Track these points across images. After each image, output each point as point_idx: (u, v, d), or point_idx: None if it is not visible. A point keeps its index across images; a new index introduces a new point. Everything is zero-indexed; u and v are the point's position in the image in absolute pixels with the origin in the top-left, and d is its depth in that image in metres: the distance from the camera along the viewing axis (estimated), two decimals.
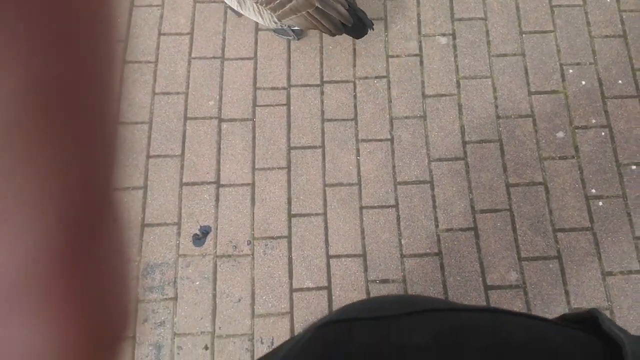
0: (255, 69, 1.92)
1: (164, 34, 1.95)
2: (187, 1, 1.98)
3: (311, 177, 1.77)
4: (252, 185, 1.76)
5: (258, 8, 1.63)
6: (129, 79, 1.87)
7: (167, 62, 1.91)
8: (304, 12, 1.55)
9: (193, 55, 1.92)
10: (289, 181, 1.77)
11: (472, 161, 1.78)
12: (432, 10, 1.97)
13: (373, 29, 1.72)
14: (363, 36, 1.74)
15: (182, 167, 1.79)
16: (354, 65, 1.91)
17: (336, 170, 1.78)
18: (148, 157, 1.80)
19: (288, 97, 1.88)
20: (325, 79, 1.90)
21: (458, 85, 1.87)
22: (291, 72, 1.91)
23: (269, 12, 1.61)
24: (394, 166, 1.78)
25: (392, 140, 1.81)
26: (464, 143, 1.80)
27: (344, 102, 1.87)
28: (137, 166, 1.78)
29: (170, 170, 1.78)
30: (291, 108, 1.87)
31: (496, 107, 1.85)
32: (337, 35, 1.67)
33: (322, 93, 1.88)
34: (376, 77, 1.89)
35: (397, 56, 1.92)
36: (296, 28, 1.79)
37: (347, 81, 1.89)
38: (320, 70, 1.91)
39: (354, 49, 1.93)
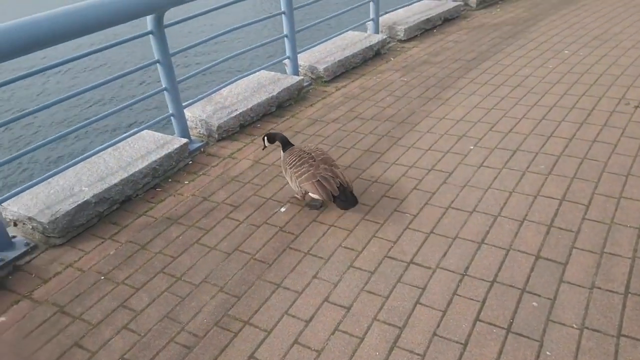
0: None
1: None
2: None
3: None
4: None
5: (291, 175, 2.77)
6: None
7: None
8: (310, 181, 2.65)
9: None
10: None
11: None
12: None
13: (355, 205, 2.69)
14: (348, 209, 2.73)
15: None
16: None
17: None
18: None
19: None
20: None
21: None
22: None
23: (295, 178, 2.73)
24: None
25: None
26: None
27: None
28: None
29: None
30: None
31: None
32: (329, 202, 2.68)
33: None
34: None
35: None
36: (317, 198, 2.76)
37: None
38: None
39: None
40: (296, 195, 2.84)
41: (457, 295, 2.17)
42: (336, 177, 2.64)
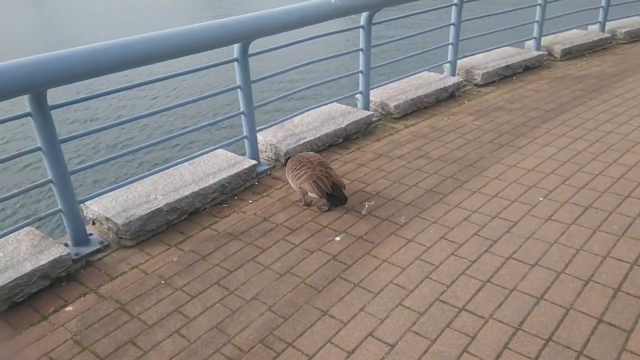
0: None
1: None
2: None
3: None
4: None
5: (292, 178, 3.16)
6: None
7: None
8: (308, 181, 3.03)
9: None
10: None
11: None
12: None
13: (345, 203, 3.11)
14: (338, 205, 3.14)
15: None
16: None
17: None
18: None
19: None
20: None
21: None
22: None
23: (296, 179, 3.11)
24: None
25: None
26: None
27: None
28: None
29: None
30: None
31: None
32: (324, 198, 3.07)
33: None
34: None
35: None
36: (315, 196, 3.10)
37: None
38: None
39: None
40: (299, 202, 3.26)
41: (508, 348, 2.09)
42: (330, 177, 3.06)
